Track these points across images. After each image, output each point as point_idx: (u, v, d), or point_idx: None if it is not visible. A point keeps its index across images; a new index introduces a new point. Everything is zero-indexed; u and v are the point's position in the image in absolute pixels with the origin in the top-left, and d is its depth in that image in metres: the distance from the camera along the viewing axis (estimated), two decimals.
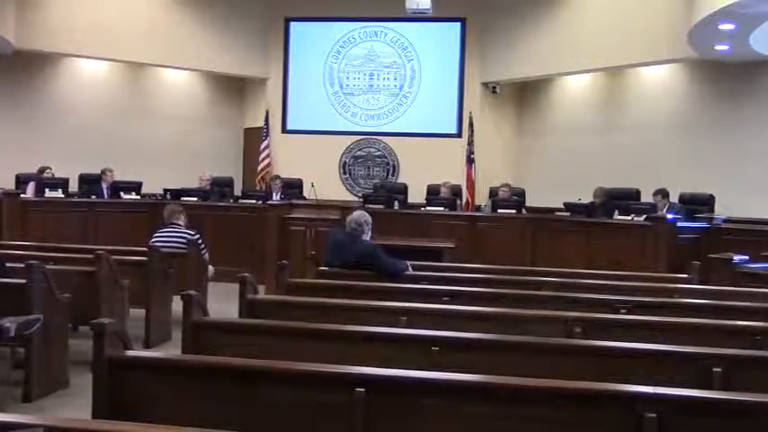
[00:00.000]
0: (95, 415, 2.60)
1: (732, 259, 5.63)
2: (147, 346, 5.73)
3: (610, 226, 7.95)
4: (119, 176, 9.54)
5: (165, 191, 9.65)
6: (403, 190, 10.36)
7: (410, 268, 5.20)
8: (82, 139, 10.87)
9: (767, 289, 4.92)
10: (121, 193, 9.20)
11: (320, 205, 8.80)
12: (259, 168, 11.58)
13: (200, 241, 6.77)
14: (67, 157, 10.29)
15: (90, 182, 9.53)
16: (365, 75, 11.83)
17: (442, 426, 2.45)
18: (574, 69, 10.63)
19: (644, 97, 10.20)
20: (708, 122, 9.29)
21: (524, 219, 8.92)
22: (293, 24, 11.88)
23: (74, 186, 9.53)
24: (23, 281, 4.47)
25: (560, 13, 10.56)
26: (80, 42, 10.35)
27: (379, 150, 11.76)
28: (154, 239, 6.65)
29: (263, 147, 11.62)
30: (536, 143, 11.60)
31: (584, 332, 3.54)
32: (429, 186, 10.35)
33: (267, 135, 11.67)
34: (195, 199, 9.41)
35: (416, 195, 10.27)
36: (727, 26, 7.34)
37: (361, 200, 9.69)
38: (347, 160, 11.85)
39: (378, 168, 11.79)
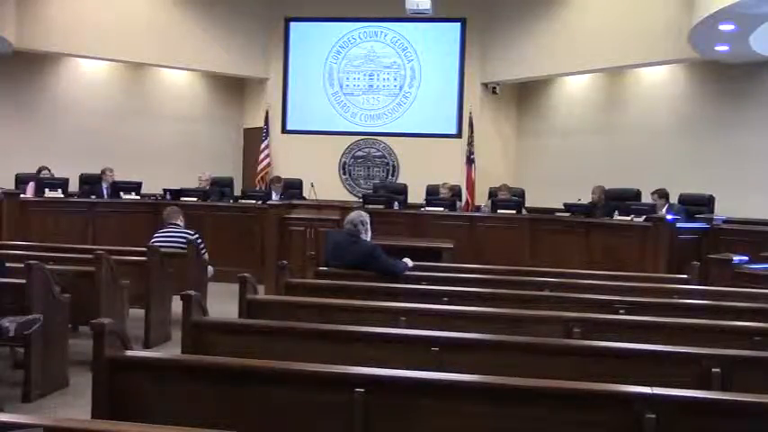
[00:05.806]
0: (95, 415, 2.60)
1: (731, 260, 5.63)
2: (147, 346, 5.73)
3: (609, 226, 7.95)
4: (119, 176, 9.55)
5: (165, 191, 9.65)
6: (403, 190, 10.37)
7: (410, 263, 5.20)
8: (82, 139, 10.88)
9: (767, 289, 4.92)
10: (121, 193, 9.21)
11: (320, 205, 8.79)
12: (259, 168, 11.59)
13: (199, 241, 6.77)
14: (67, 157, 10.30)
15: (90, 182, 9.55)
16: (365, 75, 11.83)
17: (441, 426, 2.44)
18: (574, 70, 10.64)
19: (644, 98, 10.19)
20: (708, 123, 9.29)
21: (524, 219, 8.92)
22: (293, 24, 11.89)
23: (74, 186, 9.55)
24: (23, 281, 4.47)
25: (560, 13, 10.56)
26: (80, 42, 10.36)
27: (378, 151, 11.77)
28: (154, 240, 6.66)
29: (262, 147, 11.63)
30: (536, 143, 11.60)
31: (583, 332, 3.55)
32: (429, 187, 10.35)
33: (267, 135, 11.68)
34: (195, 199, 9.41)
35: (416, 196, 10.27)
36: (727, 27, 7.34)
37: (361, 200, 9.69)
38: (347, 160, 11.86)
39: (377, 169, 11.79)
